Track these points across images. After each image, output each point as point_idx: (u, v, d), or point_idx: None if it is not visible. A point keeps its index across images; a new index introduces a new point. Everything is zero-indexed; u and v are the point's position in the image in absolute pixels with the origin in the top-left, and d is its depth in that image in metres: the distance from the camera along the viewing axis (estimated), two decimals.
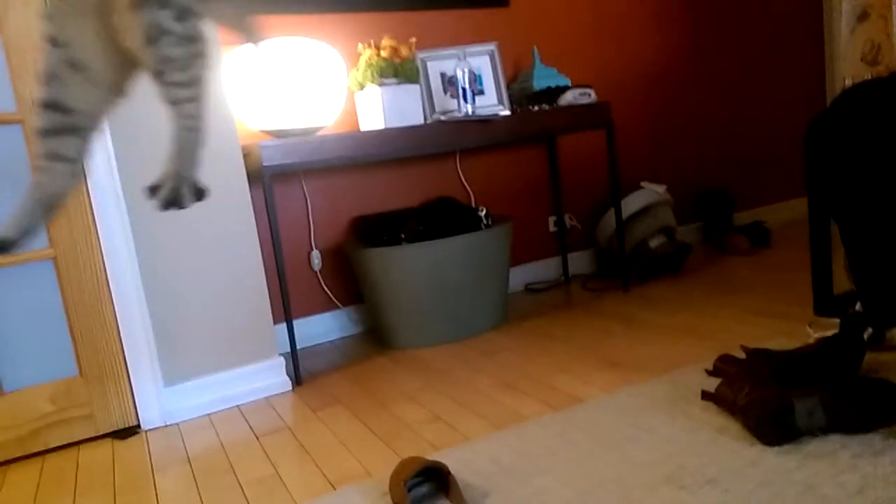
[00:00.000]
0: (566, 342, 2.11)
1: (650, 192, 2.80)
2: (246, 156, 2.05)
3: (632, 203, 2.76)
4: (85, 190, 1.80)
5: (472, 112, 2.34)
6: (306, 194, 2.48)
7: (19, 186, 1.74)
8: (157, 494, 1.45)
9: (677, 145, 3.30)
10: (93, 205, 1.80)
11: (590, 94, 2.55)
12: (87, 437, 1.84)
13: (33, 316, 1.79)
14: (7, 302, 1.76)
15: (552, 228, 2.99)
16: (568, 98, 2.51)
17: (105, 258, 1.82)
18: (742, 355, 1.71)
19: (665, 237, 2.79)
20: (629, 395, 1.60)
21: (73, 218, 1.80)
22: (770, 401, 1.25)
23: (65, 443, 1.82)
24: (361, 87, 2.33)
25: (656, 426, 1.41)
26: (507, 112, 2.47)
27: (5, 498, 1.54)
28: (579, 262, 3.07)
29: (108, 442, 1.82)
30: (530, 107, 2.53)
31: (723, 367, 1.58)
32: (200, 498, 1.41)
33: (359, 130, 2.12)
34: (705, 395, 1.47)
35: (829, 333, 1.55)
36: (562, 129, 2.46)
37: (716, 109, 3.41)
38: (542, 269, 2.98)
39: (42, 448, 1.79)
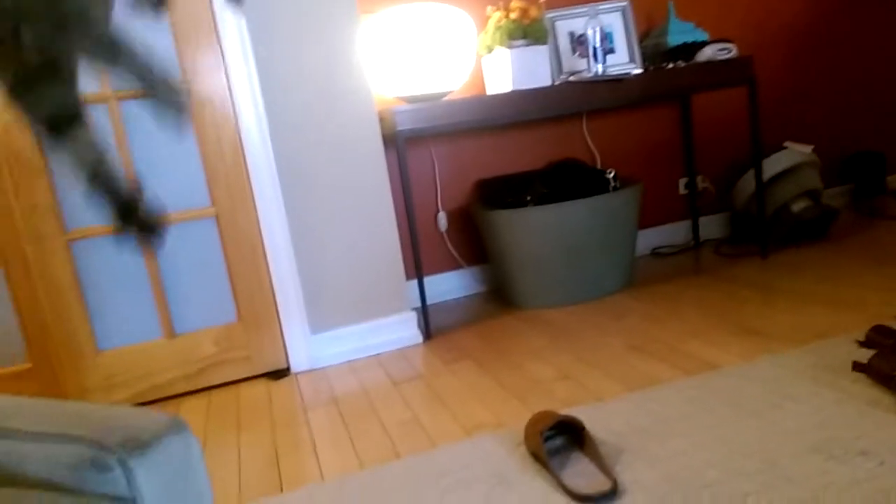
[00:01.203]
0: (697, 307, 2.06)
1: (794, 153, 2.62)
2: (380, 121, 2.15)
3: (774, 164, 2.59)
4: (242, 157, 1.97)
5: (603, 71, 2.29)
6: (434, 157, 2.56)
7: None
8: (310, 430, 1.61)
9: (826, 103, 3.04)
10: (249, 170, 1.96)
11: (730, 49, 2.40)
12: (244, 376, 2.06)
13: (200, 268, 2.01)
14: (178, 255, 1.98)
15: (682, 191, 2.88)
16: (706, 53, 2.38)
17: (260, 217, 1.99)
18: None
19: (810, 200, 2.61)
20: (769, 364, 1.55)
21: (232, 182, 1.98)
22: None
23: (226, 381, 2.05)
24: (490, 50, 2.34)
25: (800, 396, 1.37)
26: (638, 70, 2.39)
27: None
28: (711, 226, 2.94)
29: (263, 382, 2.02)
30: (664, 64, 2.42)
31: (877, 338, 1.48)
32: (350, 435, 1.55)
33: (485, 94, 2.15)
34: (857, 367, 1.39)
35: None
36: (698, 87, 2.34)
37: (869, 64, 3.09)
38: (671, 233, 2.89)
39: (207, 385, 2.03)
